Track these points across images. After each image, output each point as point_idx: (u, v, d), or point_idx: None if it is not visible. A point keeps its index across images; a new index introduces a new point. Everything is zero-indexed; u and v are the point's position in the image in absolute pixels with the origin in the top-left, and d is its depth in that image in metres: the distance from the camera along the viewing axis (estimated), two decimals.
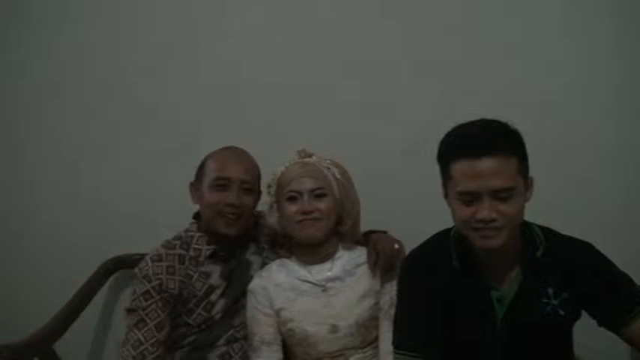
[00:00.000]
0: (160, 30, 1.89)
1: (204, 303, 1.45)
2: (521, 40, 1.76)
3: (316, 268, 1.46)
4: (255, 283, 1.48)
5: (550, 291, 1.17)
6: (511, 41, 1.77)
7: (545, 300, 1.17)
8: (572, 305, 1.18)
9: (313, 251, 1.46)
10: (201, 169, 1.50)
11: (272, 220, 1.53)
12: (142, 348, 1.36)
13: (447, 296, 1.22)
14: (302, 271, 1.46)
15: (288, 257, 1.51)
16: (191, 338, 1.46)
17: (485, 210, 1.09)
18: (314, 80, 1.83)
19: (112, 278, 1.85)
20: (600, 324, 1.20)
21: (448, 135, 1.18)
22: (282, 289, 1.44)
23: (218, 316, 1.46)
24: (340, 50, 1.83)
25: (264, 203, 1.53)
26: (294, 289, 1.44)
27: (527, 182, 1.16)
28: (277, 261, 1.52)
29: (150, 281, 1.40)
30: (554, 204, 1.58)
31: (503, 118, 1.17)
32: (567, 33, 1.75)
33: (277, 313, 1.43)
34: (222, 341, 1.47)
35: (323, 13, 1.83)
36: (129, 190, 1.91)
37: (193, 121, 1.88)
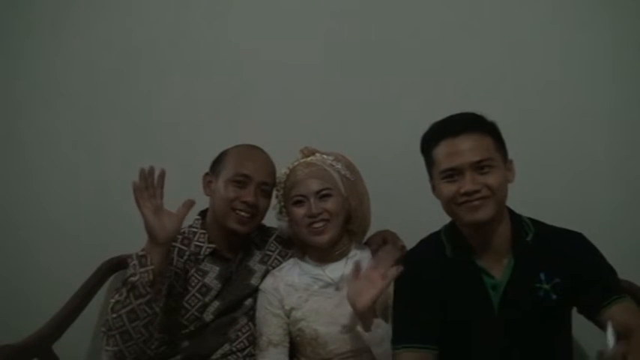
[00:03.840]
0: (161, 30, 1.90)
1: (198, 304, 1.43)
2: (521, 44, 1.77)
3: (331, 267, 1.45)
4: (267, 283, 1.48)
5: (542, 276, 1.21)
6: (511, 44, 1.77)
7: (537, 285, 1.21)
8: (563, 290, 1.21)
9: (326, 251, 1.45)
10: (219, 162, 1.48)
11: (283, 224, 1.53)
12: (131, 342, 1.25)
13: (442, 288, 1.24)
14: (316, 270, 1.46)
15: (301, 257, 1.51)
16: (185, 344, 1.44)
17: (468, 183, 1.16)
18: (314, 80, 1.83)
19: (111, 278, 1.85)
20: (579, 311, 1.23)
21: (427, 129, 1.26)
22: (295, 289, 1.44)
23: (209, 318, 1.44)
24: (341, 50, 1.83)
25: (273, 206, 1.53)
26: (307, 289, 1.44)
27: (507, 164, 1.24)
28: (290, 260, 1.52)
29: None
30: (552, 206, 1.59)
31: (503, 119, 1.24)
32: (565, 37, 1.75)
33: (288, 313, 1.43)
34: (217, 355, 1.45)
35: (324, 14, 1.83)
36: (129, 190, 1.89)
37: (193, 121, 1.88)
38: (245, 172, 1.43)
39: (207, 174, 1.50)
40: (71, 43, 1.92)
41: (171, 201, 1.79)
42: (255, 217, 1.46)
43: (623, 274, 1.54)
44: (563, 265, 1.20)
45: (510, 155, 1.26)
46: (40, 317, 1.59)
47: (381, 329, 1.28)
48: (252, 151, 1.50)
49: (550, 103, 1.75)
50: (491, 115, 1.25)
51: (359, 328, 1.34)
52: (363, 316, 1.27)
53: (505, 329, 1.20)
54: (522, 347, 1.21)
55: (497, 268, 1.22)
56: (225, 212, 1.43)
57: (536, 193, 1.58)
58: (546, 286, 1.20)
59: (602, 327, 1.15)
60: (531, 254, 1.22)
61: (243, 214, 1.43)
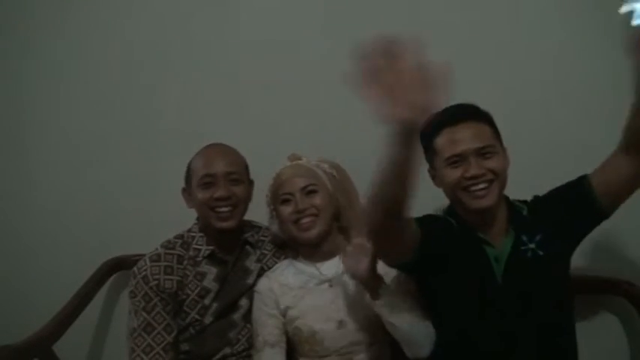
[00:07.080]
0: (161, 30, 1.90)
1: (198, 307, 1.45)
2: (518, 39, 1.76)
3: (326, 264, 1.46)
4: (262, 284, 1.49)
5: (524, 238, 1.26)
6: (509, 41, 1.77)
7: (523, 248, 1.26)
8: (548, 243, 1.26)
9: (318, 249, 1.46)
10: (188, 173, 1.52)
11: (274, 228, 1.55)
12: (153, 352, 1.36)
13: (448, 246, 1.26)
14: (311, 269, 1.47)
15: (295, 257, 1.52)
16: (185, 347, 1.45)
17: (473, 167, 1.21)
18: (315, 80, 1.83)
19: (111, 279, 1.85)
20: (587, 213, 1.26)
21: (426, 121, 1.27)
22: (289, 289, 1.45)
23: (209, 320, 1.45)
24: (340, 50, 1.82)
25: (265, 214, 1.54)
26: (302, 287, 1.44)
27: (504, 151, 1.28)
28: (285, 261, 1.53)
29: (147, 282, 1.40)
30: None
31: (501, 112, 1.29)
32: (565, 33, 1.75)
33: (284, 312, 1.44)
34: (217, 358, 1.46)
35: (324, 13, 1.83)
36: (129, 190, 1.90)
37: (193, 121, 1.88)
38: (208, 172, 1.45)
39: (184, 189, 1.53)
40: (73, 44, 1.92)
41: (172, 201, 1.80)
42: (237, 209, 1.47)
43: (623, 274, 1.56)
44: (536, 218, 1.28)
45: (509, 145, 1.29)
46: (40, 317, 1.59)
47: (391, 296, 1.30)
48: (209, 150, 1.52)
49: (549, 95, 1.74)
50: (488, 107, 1.28)
51: (357, 321, 1.37)
52: (368, 284, 1.29)
53: (510, 299, 1.23)
54: (526, 319, 1.22)
55: (499, 242, 1.27)
56: (207, 215, 1.45)
57: (535, 186, 1.58)
58: (531, 246, 1.25)
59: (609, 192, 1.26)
60: (526, 226, 1.28)
61: (222, 209, 1.44)
